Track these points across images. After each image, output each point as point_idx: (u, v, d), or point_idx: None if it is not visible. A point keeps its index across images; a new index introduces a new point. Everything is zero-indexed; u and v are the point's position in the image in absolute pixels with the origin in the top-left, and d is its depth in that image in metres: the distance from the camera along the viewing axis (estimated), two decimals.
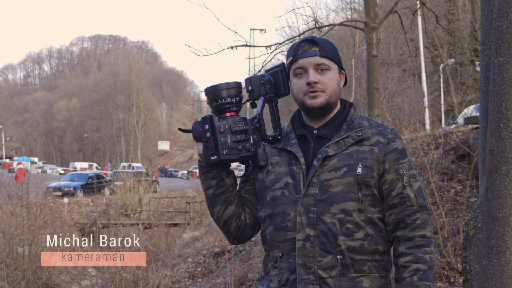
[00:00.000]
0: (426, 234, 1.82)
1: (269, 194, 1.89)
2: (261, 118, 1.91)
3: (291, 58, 1.91)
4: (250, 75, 1.95)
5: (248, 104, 1.98)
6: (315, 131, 1.90)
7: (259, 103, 1.93)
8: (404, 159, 1.86)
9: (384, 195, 1.84)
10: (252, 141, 1.85)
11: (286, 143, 1.92)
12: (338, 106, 1.95)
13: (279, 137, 1.93)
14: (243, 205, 1.97)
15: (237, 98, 1.86)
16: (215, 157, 1.82)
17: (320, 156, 1.84)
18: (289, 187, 1.85)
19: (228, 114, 1.85)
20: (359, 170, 1.81)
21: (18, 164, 30.05)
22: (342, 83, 1.96)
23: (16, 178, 22.13)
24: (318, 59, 1.87)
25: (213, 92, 1.84)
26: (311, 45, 1.89)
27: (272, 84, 1.93)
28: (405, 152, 1.88)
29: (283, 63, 1.99)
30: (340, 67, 1.94)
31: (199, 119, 1.89)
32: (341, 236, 1.78)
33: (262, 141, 1.91)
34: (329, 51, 1.89)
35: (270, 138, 1.92)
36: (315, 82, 1.86)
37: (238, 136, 1.83)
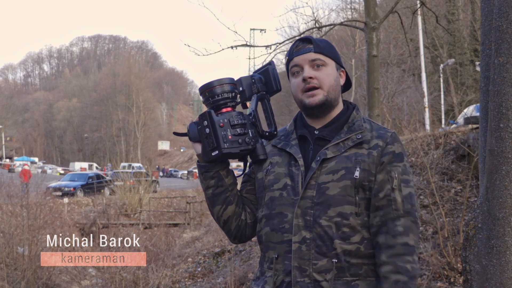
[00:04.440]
0: (409, 242, 1.75)
1: (267, 194, 1.88)
2: (256, 114, 1.91)
3: (287, 57, 1.92)
4: (240, 77, 1.96)
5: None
6: (316, 132, 1.89)
7: (252, 101, 1.93)
8: (399, 163, 1.82)
9: (372, 195, 1.80)
10: (251, 135, 1.86)
11: (286, 143, 1.91)
12: (341, 107, 1.93)
13: (275, 133, 1.94)
14: (244, 204, 1.96)
15: (233, 94, 1.87)
16: (216, 151, 1.82)
17: (318, 158, 1.82)
18: (287, 188, 1.84)
19: (224, 110, 1.86)
20: (357, 173, 1.78)
21: (24, 165, 30.61)
22: (342, 80, 1.94)
23: (24, 176, 22.57)
24: (312, 55, 1.86)
25: (208, 89, 1.86)
26: (305, 43, 1.89)
27: (262, 82, 1.94)
28: (402, 156, 1.83)
29: (272, 61, 2.00)
30: (339, 64, 1.92)
31: (194, 120, 1.90)
32: (337, 239, 1.76)
33: (260, 137, 1.92)
34: (323, 47, 1.88)
35: (267, 134, 1.93)
36: (311, 78, 1.85)
37: (238, 130, 1.83)
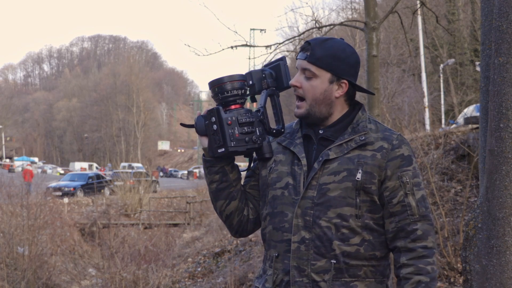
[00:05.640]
0: (428, 245, 1.78)
1: (270, 192, 1.88)
2: (265, 111, 1.90)
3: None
4: (250, 70, 1.95)
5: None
6: (320, 131, 1.88)
7: (261, 96, 1.92)
8: (409, 167, 1.81)
9: (384, 202, 1.80)
10: (258, 133, 1.85)
11: (291, 142, 1.90)
12: (345, 109, 1.89)
13: (282, 130, 1.93)
14: (247, 200, 1.96)
15: (242, 91, 1.86)
16: (223, 149, 1.81)
17: (321, 158, 1.81)
18: (289, 187, 1.84)
19: (233, 106, 1.85)
20: (359, 175, 1.77)
21: (27, 165, 30.84)
22: (341, 91, 1.84)
23: (24, 177, 22.75)
24: (304, 64, 1.83)
25: (217, 85, 1.85)
26: (306, 47, 1.85)
27: (273, 77, 1.92)
28: (411, 159, 1.82)
29: (284, 57, 1.98)
30: (337, 75, 1.83)
31: (203, 114, 1.89)
32: (336, 240, 1.76)
33: (266, 134, 1.91)
34: (319, 57, 1.81)
35: (274, 131, 1.91)
36: (296, 86, 1.85)
37: (245, 128, 1.82)
